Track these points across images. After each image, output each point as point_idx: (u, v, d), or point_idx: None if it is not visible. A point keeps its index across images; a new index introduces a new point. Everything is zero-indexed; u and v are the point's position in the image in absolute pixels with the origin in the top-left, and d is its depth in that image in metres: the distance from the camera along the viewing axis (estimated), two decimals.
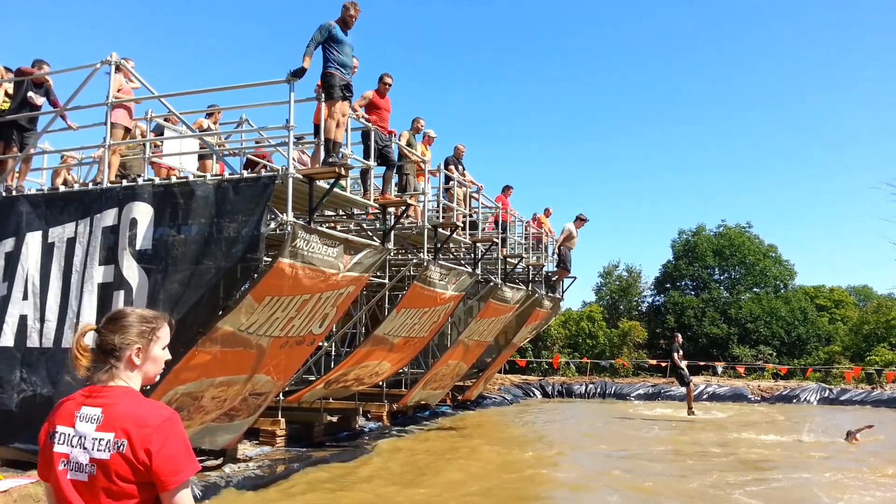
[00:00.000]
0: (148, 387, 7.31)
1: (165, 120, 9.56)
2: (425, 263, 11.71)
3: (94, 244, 8.02)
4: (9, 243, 8.47)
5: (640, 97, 69.64)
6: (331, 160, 8.13)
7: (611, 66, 70.35)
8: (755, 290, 32.68)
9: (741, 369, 26.69)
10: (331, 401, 13.45)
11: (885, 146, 60.01)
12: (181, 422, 2.00)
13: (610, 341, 30.74)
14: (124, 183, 8.30)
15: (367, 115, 9.74)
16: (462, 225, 12.79)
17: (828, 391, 23.27)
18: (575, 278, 20.55)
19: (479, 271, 14.11)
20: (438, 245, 12.38)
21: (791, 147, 65.50)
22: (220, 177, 8.02)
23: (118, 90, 8.68)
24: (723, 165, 67.09)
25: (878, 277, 67.67)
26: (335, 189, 8.56)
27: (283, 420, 11.26)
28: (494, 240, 14.32)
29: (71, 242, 8.16)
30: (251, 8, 73.55)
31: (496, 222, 15.58)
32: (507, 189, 16.11)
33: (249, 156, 11.18)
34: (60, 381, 7.75)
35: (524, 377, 26.03)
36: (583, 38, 71.75)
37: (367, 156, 9.60)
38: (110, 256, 7.91)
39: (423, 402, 16.11)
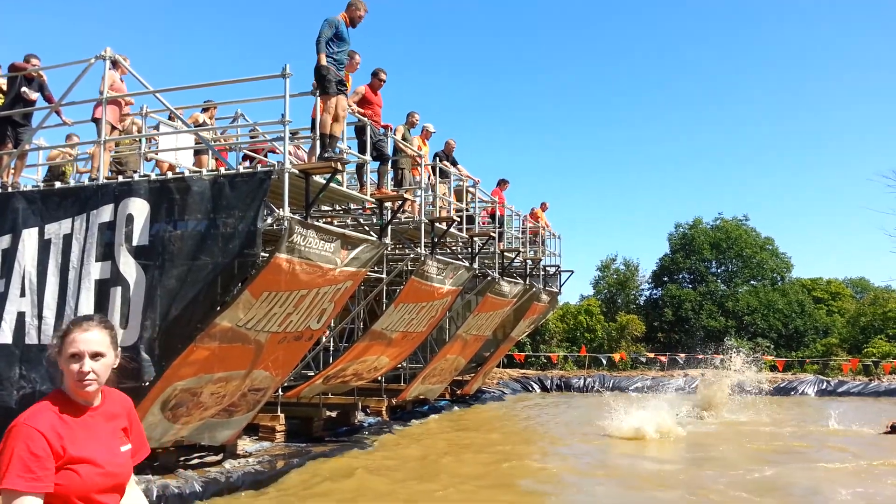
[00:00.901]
0: (146, 383, 7.35)
1: (169, 118, 9.54)
2: (422, 258, 11.70)
3: (91, 240, 8.00)
4: (5, 240, 8.44)
5: (635, 90, 69.63)
6: (326, 155, 8.12)
7: (607, 59, 70.33)
8: (752, 282, 32.76)
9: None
10: (330, 396, 13.46)
11: (880, 138, 60.13)
12: (16, 434, 1.96)
13: (608, 335, 30.80)
14: (120, 179, 8.28)
15: (360, 110, 9.72)
16: (458, 219, 12.78)
17: (825, 383, 23.35)
18: (572, 272, 20.61)
19: (476, 266, 14.11)
20: (435, 239, 12.37)
21: (787, 139, 65.59)
22: (216, 172, 8.00)
23: (110, 86, 8.64)
24: (719, 158, 67.16)
25: (875, 269, 67.81)
26: (332, 184, 8.54)
27: (282, 415, 11.27)
28: (491, 234, 14.32)
29: (67, 239, 8.14)
30: (246, 2, 73.31)
31: (492, 216, 15.57)
32: (502, 183, 16.10)
33: (246, 151, 11.16)
34: (59, 377, 7.72)
35: (523, 371, 26.06)
36: (579, 31, 71.69)
37: (362, 150, 9.59)
38: (107, 252, 7.89)
39: (421, 397, 16.13)
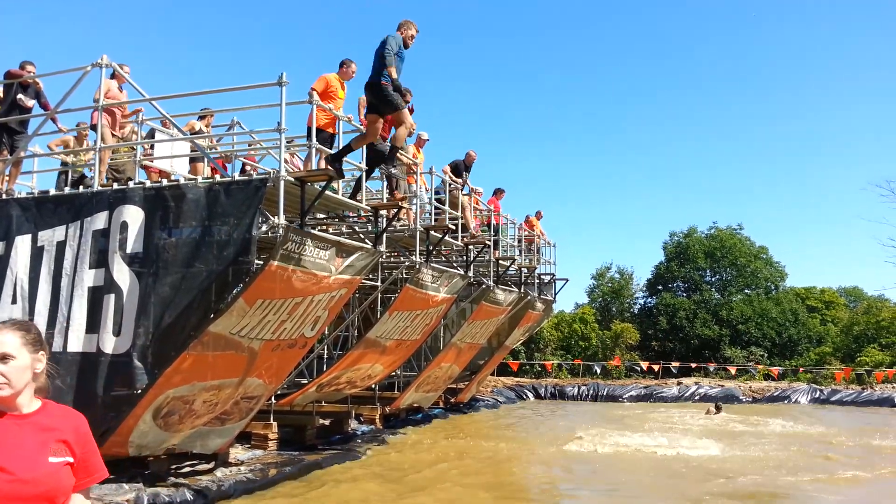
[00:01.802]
0: (139, 391, 7.32)
1: (162, 125, 9.53)
2: (417, 266, 11.71)
3: (85, 248, 7.98)
4: None
5: (631, 98, 69.92)
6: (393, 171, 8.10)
7: (603, 66, 70.62)
8: (746, 291, 32.86)
9: (732, 370, 26.83)
10: (323, 404, 13.42)
11: (874, 148, 60.50)
12: None
13: (602, 343, 30.82)
14: (115, 186, 8.27)
15: (362, 120, 9.72)
16: (454, 228, 12.79)
17: (818, 392, 23.41)
18: (567, 280, 20.66)
19: (471, 274, 14.12)
20: (430, 247, 12.38)
21: (782, 149, 65.91)
22: (210, 179, 8.00)
23: (105, 94, 8.64)
24: (714, 167, 67.43)
25: (869, 278, 68.09)
26: (327, 192, 8.55)
27: (275, 423, 11.22)
28: (487, 242, 14.33)
29: (61, 246, 8.12)
30: (244, 9, 73.42)
31: (488, 225, 15.59)
32: (498, 192, 16.14)
33: (242, 159, 11.16)
34: (51, 385, 7.69)
35: (517, 379, 26.04)
36: (573, 40, 72.02)
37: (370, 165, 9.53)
38: (101, 260, 7.87)
39: (415, 405, 16.10)
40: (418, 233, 11.84)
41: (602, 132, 70.65)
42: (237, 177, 8.11)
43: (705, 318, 30.90)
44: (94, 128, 8.77)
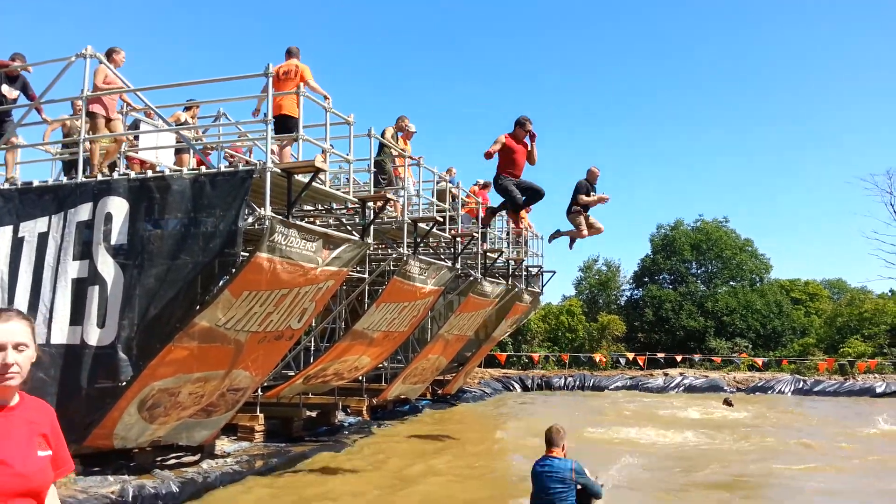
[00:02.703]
0: (123, 383, 7.29)
1: (147, 115, 9.43)
2: (405, 258, 11.70)
3: (68, 239, 7.91)
4: None
5: (618, 93, 70.06)
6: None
7: (590, 62, 70.67)
8: (731, 283, 33.13)
9: (717, 361, 27.09)
10: (310, 396, 13.41)
11: (859, 143, 61.02)
12: None
13: (589, 335, 30.98)
14: (99, 177, 8.19)
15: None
16: (441, 220, 12.77)
17: (802, 382, 23.69)
18: (554, 272, 20.70)
19: (458, 266, 14.13)
20: (418, 239, 12.38)
21: (769, 143, 66.35)
22: (196, 171, 7.94)
23: (104, 80, 8.51)
24: (701, 161, 67.77)
25: (852, 271, 68.80)
26: (314, 183, 8.52)
27: (261, 415, 11.21)
28: (474, 234, 14.34)
29: (43, 237, 8.04)
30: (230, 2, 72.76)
31: (476, 217, 15.58)
32: (486, 185, 16.11)
33: (228, 150, 11.08)
34: (34, 377, 7.64)
35: (504, 371, 26.15)
36: (561, 34, 71.99)
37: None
38: (85, 251, 7.81)
39: (403, 397, 16.12)
40: (406, 225, 11.82)
41: (590, 125, 70.84)
42: (223, 168, 8.06)
43: (691, 310, 31.14)
44: (91, 115, 8.57)
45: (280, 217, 7.63)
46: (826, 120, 64.51)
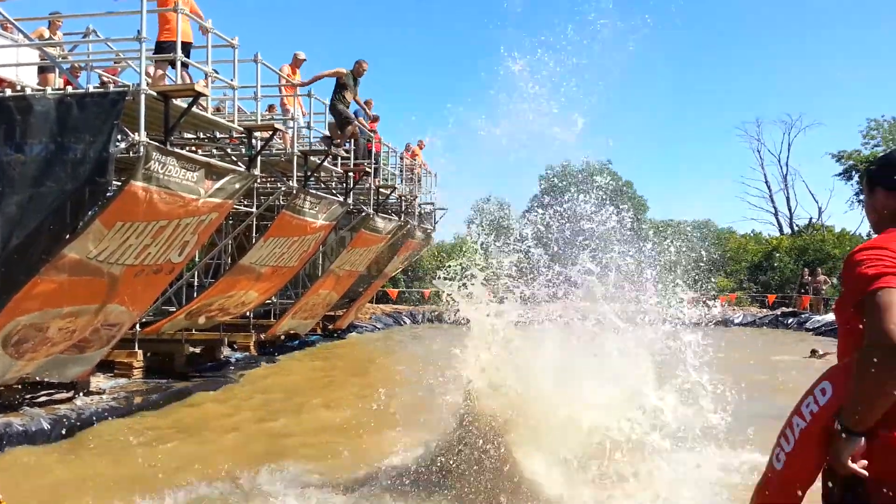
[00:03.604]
0: None
1: (4, 29, 8.53)
2: (294, 192, 11.46)
3: None
4: None
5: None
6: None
7: None
8: None
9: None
10: (193, 332, 13.07)
11: (735, 91, 64.55)
12: None
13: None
14: None
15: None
16: (331, 152, 12.52)
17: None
18: (446, 210, 20.96)
19: (350, 201, 14.01)
20: (308, 173, 12.12)
21: (652, 91, 68.87)
22: (61, 91, 7.35)
23: None
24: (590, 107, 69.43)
25: (720, 212, 73.65)
26: (195, 110, 8.10)
27: (140, 352, 10.82)
28: (367, 170, 14.21)
29: None
30: None
31: (368, 151, 15.42)
32: (375, 118, 15.90)
33: (99, 71, 10.26)
34: None
35: (396, 307, 26.48)
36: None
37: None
38: None
39: (292, 332, 16.05)
40: (296, 157, 11.54)
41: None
42: (92, 89, 7.48)
43: None
44: None
45: (157, 144, 7.24)
46: (707, 69, 67.66)
